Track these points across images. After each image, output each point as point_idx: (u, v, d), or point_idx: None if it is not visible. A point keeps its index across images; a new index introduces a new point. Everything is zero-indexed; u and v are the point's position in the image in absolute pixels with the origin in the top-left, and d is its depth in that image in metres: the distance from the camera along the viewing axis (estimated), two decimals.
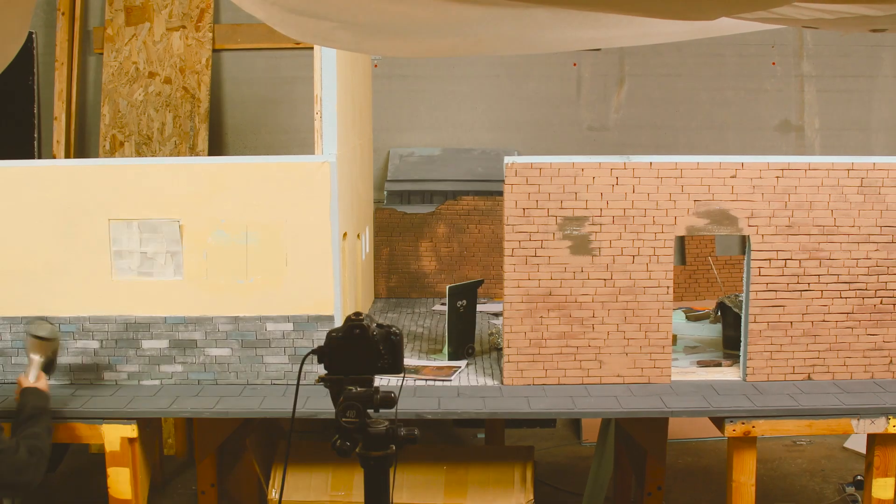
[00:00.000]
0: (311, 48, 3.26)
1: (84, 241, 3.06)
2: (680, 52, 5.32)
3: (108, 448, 2.88)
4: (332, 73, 2.93)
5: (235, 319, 3.10)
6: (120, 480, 2.90)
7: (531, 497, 3.14)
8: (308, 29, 2.39)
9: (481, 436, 5.07)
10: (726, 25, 2.31)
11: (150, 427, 3.08)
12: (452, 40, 2.52)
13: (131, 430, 2.88)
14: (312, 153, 3.12)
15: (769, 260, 3.08)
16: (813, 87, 5.53)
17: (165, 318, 3.10)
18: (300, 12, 2.23)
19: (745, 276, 3.12)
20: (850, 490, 4.45)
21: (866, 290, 3.11)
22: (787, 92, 5.53)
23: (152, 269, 3.08)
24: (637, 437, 3.46)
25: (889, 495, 2.99)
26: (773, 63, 5.51)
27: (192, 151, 5.14)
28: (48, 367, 2.92)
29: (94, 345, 3.11)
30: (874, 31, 2.24)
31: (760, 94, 5.52)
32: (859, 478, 4.43)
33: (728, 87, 5.51)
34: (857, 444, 4.91)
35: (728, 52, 5.39)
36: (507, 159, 3.05)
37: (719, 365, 3.29)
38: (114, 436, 2.88)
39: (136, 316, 3.10)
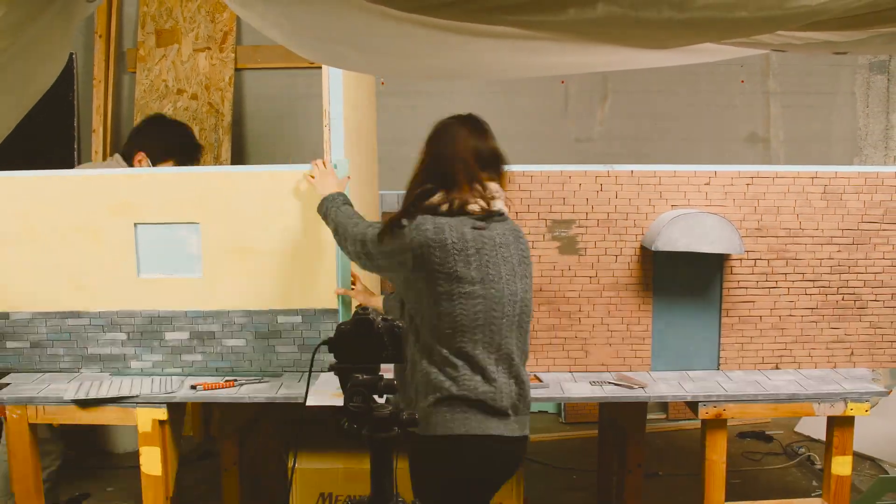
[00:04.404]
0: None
1: (113, 242, 3.03)
2: (658, 71, 5.28)
3: (140, 429, 2.86)
4: (338, 89, 2.92)
5: (249, 313, 3.06)
6: (151, 458, 2.87)
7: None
8: (323, 51, 2.37)
9: None
10: (704, 53, 2.29)
11: (178, 411, 3.05)
12: (453, 66, 2.51)
13: (162, 413, 2.85)
14: None
15: (740, 259, 3.05)
16: (778, 102, 5.51)
17: (186, 312, 3.06)
18: (316, 37, 2.21)
19: (718, 274, 3.09)
20: (802, 451, 4.51)
21: (829, 287, 3.08)
22: (754, 107, 5.50)
23: (174, 267, 3.05)
24: (619, 420, 3.43)
25: (847, 472, 2.96)
26: (742, 81, 5.48)
27: (217, 161, 5.12)
28: None
29: (122, 336, 3.08)
30: (836, 53, 2.22)
31: (730, 109, 5.50)
32: (819, 469, 4.40)
33: (701, 103, 5.48)
34: (806, 428, 4.88)
35: (701, 70, 5.36)
36: (502, 167, 3.01)
37: None
38: (146, 418, 2.85)
39: (160, 310, 3.07)
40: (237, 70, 5.24)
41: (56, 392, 2.88)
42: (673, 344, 3.09)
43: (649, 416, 4.91)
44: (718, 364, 3.11)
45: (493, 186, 2.38)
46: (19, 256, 3.04)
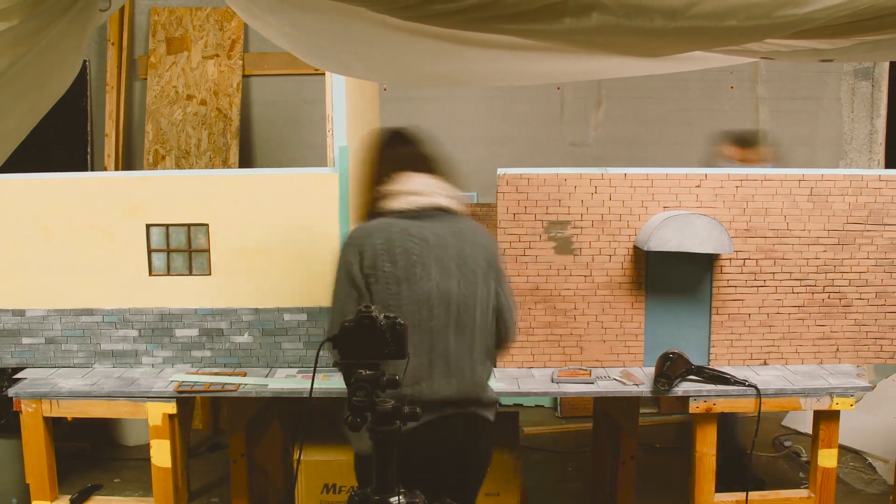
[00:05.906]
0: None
1: (125, 242, 3.03)
2: (650, 78, 5.30)
3: (151, 423, 2.86)
4: (341, 95, 2.92)
5: (256, 311, 3.07)
6: (161, 451, 2.87)
7: (519, 449, 3.14)
8: (328, 59, 2.38)
9: None
10: (695, 61, 2.30)
11: (187, 405, 3.06)
12: (453, 73, 2.51)
13: (171, 408, 2.85)
14: (326, 165, 3.09)
15: (730, 259, 3.05)
16: (766, 108, 5.51)
17: (196, 309, 3.07)
18: (321, 45, 2.22)
19: (708, 273, 3.09)
20: (789, 444, 4.53)
21: (815, 286, 3.08)
22: (743, 112, 5.51)
23: (184, 267, 3.06)
24: (613, 414, 3.43)
25: (833, 464, 2.96)
26: (731, 87, 5.49)
27: (225, 164, 5.13)
28: None
29: (134, 333, 3.08)
30: (823, 61, 2.22)
31: (720, 114, 5.50)
32: (805, 461, 4.40)
33: (692, 108, 5.49)
34: (793, 422, 4.89)
35: (691, 77, 5.37)
36: (500, 170, 3.02)
37: None
38: (156, 412, 2.85)
39: (170, 308, 3.07)
40: (245, 76, 5.25)
41: (70, 387, 2.89)
42: (665, 340, 3.09)
43: (641, 411, 4.92)
44: (709, 360, 3.11)
45: (418, 183, 2.30)
46: (35, 256, 3.05)
